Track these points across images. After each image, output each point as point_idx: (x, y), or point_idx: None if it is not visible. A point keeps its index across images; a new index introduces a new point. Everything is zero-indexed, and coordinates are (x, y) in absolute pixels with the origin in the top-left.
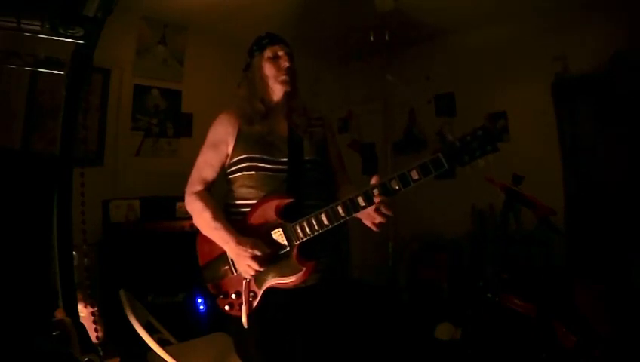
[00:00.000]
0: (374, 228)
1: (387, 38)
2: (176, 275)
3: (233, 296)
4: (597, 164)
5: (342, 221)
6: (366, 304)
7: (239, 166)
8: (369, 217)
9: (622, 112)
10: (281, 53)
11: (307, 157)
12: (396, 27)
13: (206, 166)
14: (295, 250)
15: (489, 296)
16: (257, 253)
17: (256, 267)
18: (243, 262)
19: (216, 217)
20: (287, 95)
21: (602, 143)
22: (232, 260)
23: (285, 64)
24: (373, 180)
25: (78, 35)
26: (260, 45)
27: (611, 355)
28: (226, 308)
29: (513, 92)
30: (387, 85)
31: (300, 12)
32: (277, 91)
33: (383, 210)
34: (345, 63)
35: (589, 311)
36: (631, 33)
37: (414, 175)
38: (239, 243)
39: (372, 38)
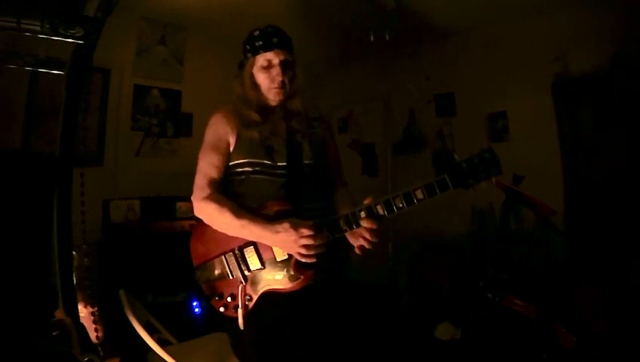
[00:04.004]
0: (357, 251)
1: (387, 38)
2: (176, 275)
3: (229, 298)
4: (597, 164)
5: (342, 235)
6: (366, 304)
7: (237, 170)
8: (355, 239)
9: (622, 112)
10: (275, 62)
11: (306, 161)
12: (396, 27)
13: (210, 167)
14: (294, 259)
15: (489, 296)
16: (306, 231)
17: (312, 248)
18: (294, 247)
19: (238, 214)
20: (283, 99)
21: (602, 143)
22: (228, 264)
23: (279, 78)
24: (367, 201)
25: (78, 35)
26: (253, 48)
27: (611, 356)
28: (221, 309)
29: (513, 92)
30: (387, 85)
31: (300, 12)
32: (270, 100)
33: (367, 235)
34: (345, 63)
35: (589, 312)
36: (631, 33)
37: (419, 194)
38: (277, 231)
39: (372, 38)
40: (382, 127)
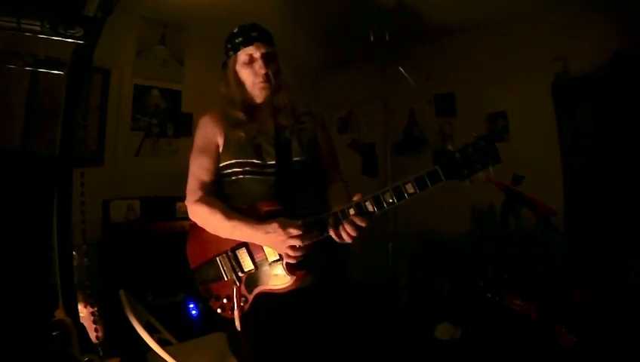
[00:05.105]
0: (335, 238)
1: (387, 38)
2: (176, 275)
3: (225, 300)
4: (597, 164)
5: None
6: (366, 304)
7: (227, 171)
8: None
9: (622, 112)
10: (257, 55)
11: (296, 158)
12: (396, 27)
13: (201, 170)
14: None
15: (489, 296)
16: (294, 232)
17: (299, 248)
18: (282, 247)
19: (229, 216)
20: (269, 95)
21: (602, 143)
22: (222, 265)
23: (262, 71)
24: (356, 197)
25: (78, 35)
26: (233, 45)
27: (610, 356)
28: (218, 310)
29: (513, 92)
30: (387, 85)
31: (301, 12)
32: (256, 96)
33: (350, 230)
34: (345, 63)
35: (589, 312)
36: (631, 33)
37: (409, 188)
38: (267, 231)
39: (372, 38)
40: (382, 127)
